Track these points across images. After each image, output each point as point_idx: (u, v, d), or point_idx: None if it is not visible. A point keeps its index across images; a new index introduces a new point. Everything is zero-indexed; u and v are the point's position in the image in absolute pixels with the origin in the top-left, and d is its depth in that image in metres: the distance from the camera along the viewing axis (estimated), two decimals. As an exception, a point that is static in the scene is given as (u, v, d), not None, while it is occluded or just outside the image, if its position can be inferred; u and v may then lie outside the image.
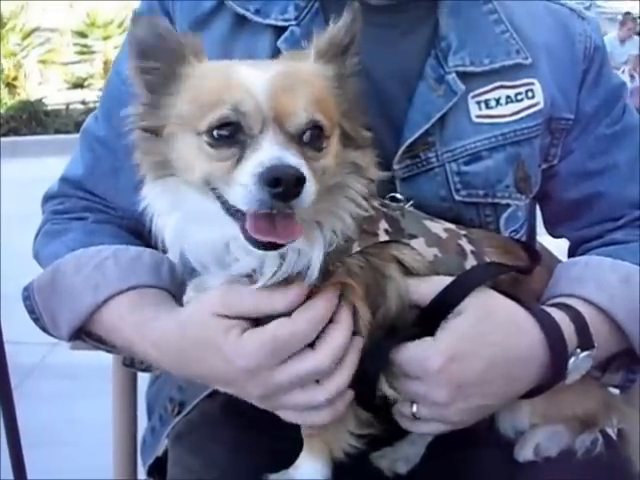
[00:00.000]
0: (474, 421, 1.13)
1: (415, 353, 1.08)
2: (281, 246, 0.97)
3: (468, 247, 1.19)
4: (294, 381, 1.04)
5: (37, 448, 2.06)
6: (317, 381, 1.06)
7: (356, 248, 1.06)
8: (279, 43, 1.26)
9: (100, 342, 1.25)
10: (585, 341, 1.14)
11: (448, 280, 1.11)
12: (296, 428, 1.15)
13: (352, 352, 1.06)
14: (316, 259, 1.02)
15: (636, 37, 12.16)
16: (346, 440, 1.13)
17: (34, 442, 2.01)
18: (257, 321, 1.06)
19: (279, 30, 1.28)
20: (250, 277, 1.05)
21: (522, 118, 1.30)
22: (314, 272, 1.02)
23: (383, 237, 1.10)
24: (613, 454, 1.23)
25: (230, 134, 0.97)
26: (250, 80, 0.98)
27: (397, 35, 1.29)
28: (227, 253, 1.04)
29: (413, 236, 1.14)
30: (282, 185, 0.90)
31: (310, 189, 0.93)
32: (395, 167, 1.26)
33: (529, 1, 1.39)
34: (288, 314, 1.04)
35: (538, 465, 1.19)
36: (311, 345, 1.05)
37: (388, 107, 1.27)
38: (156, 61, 1.04)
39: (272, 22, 1.28)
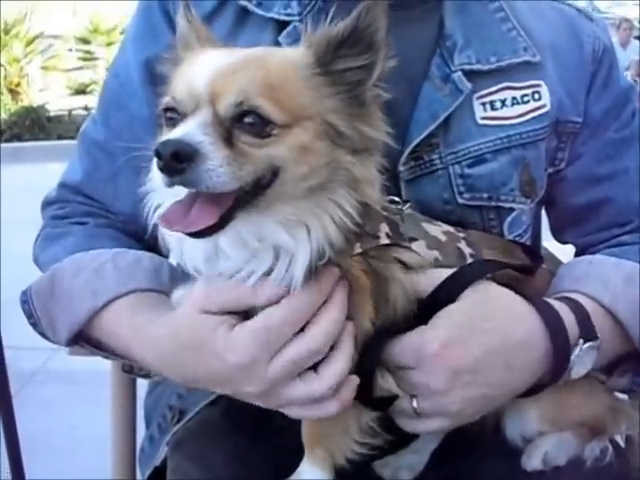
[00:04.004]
0: (478, 415, 1.11)
1: (411, 341, 1.06)
2: (211, 233, 0.93)
3: (467, 250, 1.17)
4: (289, 369, 1.00)
5: (36, 454, 2.05)
6: (315, 372, 1.02)
7: (357, 249, 1.03)
8: (281, 38, 1.24)
9: (99, 347, 1.23)
10: (587, 331, 1.11)
11: (447, 273, 1.09)
12: (297, 436, 1.12)
13: (346, 336, 1.02)
14: (300, 262, 0.97)
15: (636, 41, 12.19)
16: (348, 447, 1.10)
17: (34, 448, 1.99)
18: (246, 317, 1.02)
19: (281, 25, 1.26)
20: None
21: (528, 120, 1.28)
22: (297, 276, 0.97)
23: (384, 240, 1.07)
24: (623, 463, 1.21)
25: (173, 117, 0.98)
26: (201, 65, 0.98)
27: (401, 34, 1.28)
28: (217, 251, 1.00)
29: (413, 239, 1.12)
30: (162, 158, 0.89)
31: (218, 170, 0.89)
32: (401, 169, 1.24)
33: (535, 1, 1.37)
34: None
35: (545, 474, 1.16)
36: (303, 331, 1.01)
37: (393, 107, 1.24)
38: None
39: (274, 16, 1.26)
